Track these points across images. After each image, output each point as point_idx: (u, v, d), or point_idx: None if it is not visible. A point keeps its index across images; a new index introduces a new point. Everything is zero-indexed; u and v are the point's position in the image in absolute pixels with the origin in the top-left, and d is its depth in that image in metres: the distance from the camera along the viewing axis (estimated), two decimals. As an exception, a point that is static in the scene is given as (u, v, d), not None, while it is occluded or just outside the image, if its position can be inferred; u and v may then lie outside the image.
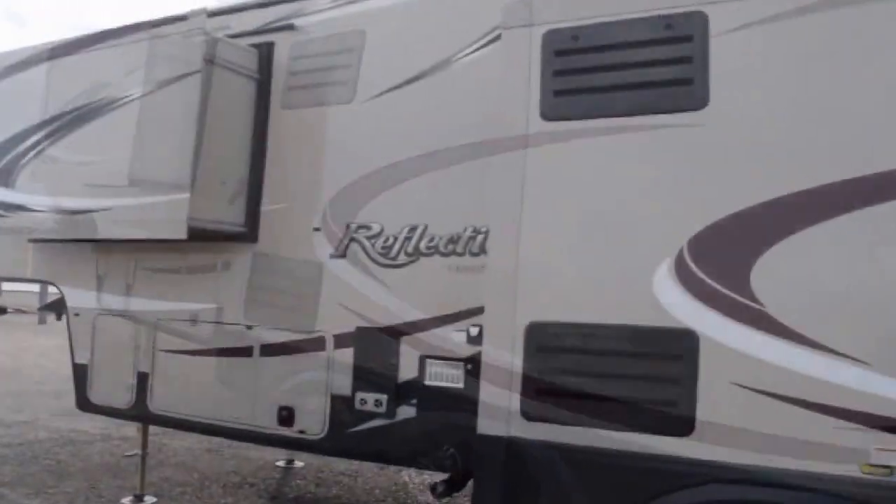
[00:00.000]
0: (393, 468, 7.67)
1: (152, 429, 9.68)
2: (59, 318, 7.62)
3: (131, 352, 5.73)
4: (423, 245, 4.62)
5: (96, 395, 5.92)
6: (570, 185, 3.71)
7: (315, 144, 5.07)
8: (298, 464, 7.91)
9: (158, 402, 5.58)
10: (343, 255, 4.88)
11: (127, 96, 5.16)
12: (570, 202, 3.69)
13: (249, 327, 5.19)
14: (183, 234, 4.82)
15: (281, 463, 7.91)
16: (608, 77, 3.70)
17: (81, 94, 5.38)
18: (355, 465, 7.76)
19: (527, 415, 3.63)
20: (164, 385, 5.57)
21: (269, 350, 5.11)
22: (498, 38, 4.50)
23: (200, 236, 4.97)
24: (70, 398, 6.24)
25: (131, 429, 9.70)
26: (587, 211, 3.66)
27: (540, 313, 3.66)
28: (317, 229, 4.98)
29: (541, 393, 3.62)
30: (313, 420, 4.91)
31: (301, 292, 5.02)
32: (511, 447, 3.64)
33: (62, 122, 5.46)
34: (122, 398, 5.76)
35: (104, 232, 5.19)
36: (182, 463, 7.88)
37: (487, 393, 3.74)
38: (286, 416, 4.99)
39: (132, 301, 5.79)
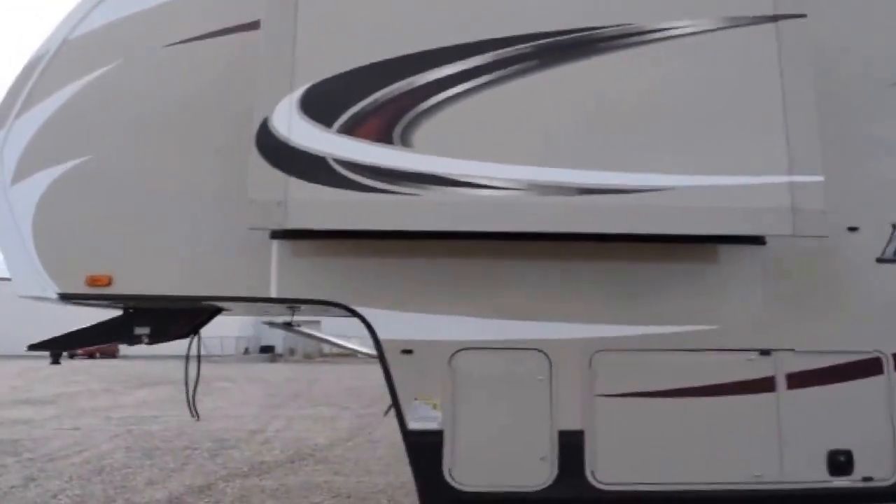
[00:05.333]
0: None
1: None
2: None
3: (543, 401, 3.84)
4: None
5: (467, 475, 3.78)
6: None
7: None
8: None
9: (609, 471, 3.82)
10: (894, 260, 4.08)
11: (676, 28, 3.57)
12: None
13: (766, 352, 3.95)
14: (824, 230, 3.52)
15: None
16: None
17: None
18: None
19: None
20: (617, 445, 3.84)
21: (800, 380, 3.95)
22: None
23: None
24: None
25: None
26: None
27: None
28: (853, 229, 4.07)
29: None
30: (878, 462, 3.94)
31: (838, 304, 4.03)
32: None
33: (535, 47, 3.50)
34: (531, 474, 3.79)
35: (669, 224, 3.44)
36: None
37: None
38: (843, 462, 3.91)
39: (536, 327, 3.89)
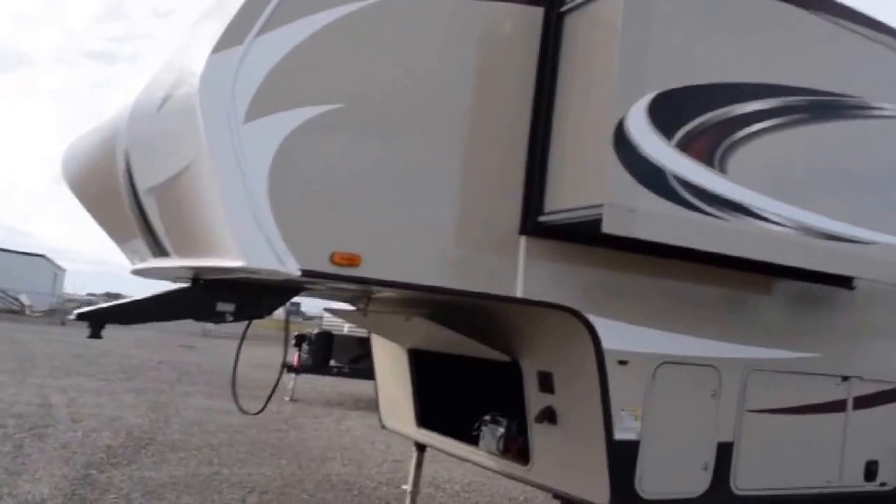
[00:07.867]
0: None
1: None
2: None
3: (711, 416, 4.15)
4: None
5: (652, 485, 3.93)
6: None
7: None
8: None
9: (745, 478, 4.25)
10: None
11: None
12: None
13: (845, 378, 4.72)
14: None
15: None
16: None
17: None
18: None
19: None
20: (753, 456, 4.30)
21: (864, 402, 4.80)
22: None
23: None
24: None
25: None
26: None
27: None
28: None
29: None
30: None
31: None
32: None
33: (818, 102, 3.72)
34: (692, 482, 4.09)
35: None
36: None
37: None
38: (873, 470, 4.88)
39: (712, 345, 4.16)
